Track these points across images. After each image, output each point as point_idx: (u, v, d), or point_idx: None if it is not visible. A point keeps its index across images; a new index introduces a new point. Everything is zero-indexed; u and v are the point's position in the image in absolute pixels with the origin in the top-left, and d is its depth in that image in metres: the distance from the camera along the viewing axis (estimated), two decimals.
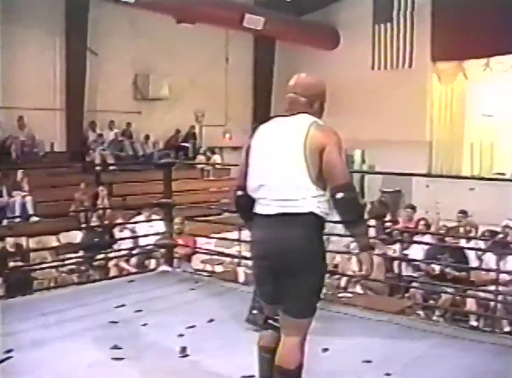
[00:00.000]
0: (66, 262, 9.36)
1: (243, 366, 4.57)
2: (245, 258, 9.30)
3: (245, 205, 3.69)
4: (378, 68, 19.95)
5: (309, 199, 3.43)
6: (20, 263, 9.65)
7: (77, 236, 11.02)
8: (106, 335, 5.23)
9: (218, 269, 11.00)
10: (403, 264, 9.58)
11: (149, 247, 9.01)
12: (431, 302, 9.29)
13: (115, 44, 16.97)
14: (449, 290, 8.77)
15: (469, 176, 18.48)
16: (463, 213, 11.47)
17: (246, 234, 9.61)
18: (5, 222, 12.77)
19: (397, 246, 9.98)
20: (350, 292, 7.97)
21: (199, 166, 19.01)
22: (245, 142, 3.85)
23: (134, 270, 9.64)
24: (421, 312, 9.17)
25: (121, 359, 4.71)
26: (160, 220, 8.35)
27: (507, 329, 8.56)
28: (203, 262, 11.01)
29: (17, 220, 13.30)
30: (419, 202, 15.28)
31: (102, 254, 10.26)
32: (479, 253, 9.60)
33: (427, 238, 10.31)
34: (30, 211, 13.17)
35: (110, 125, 17.49)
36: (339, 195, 3.40)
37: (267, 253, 3.55)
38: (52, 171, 14.80)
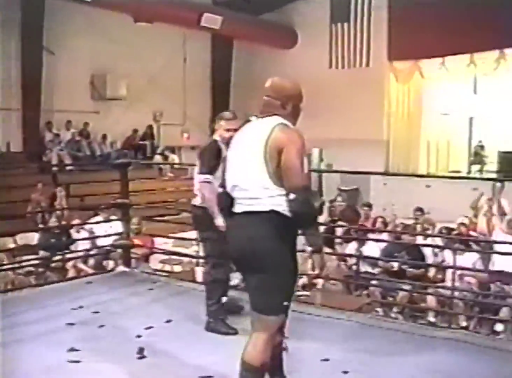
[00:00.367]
0: (23, 264, 9.23)
1: (201, 366, 4.56)
2: (203, 257, 9.28)
3: (224, 202, 3.79)
4: (336, 67, 20.08)
5: (269, 198, 3.52)
6: None
7: (34, 237, 10.88)
8: (63, 337, 5.17)
9: (177, 269, 10.94)
10: (360, 262, 9.66)
11: (107, 248, 8.94)
12: (390, 299, 9.38)
13: (72, 44, 16.80)
14: (406, 287, 8.85)
15: (426, 174, 18.70)
16: (420, 210, 11.60)
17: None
18: None
19: (353, 244, 10.06)
20: (307, 291, 7.97)
21: (157, 166, 18.93)
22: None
23: (91, 271, 9.55)
24: (379, 309, 9.26)
25: (78, 361, 4.66)
26: (118, 220, 8.27)
27: (463, 324, 8.69)
28: (161, 262, 10.95)
29: None
30: (377, 199, 15.45)
31: (59, 255, 10.15)
32: (436, 249, 9.72)
33: (385, 236, 10.42)
34: None
35: (67, 125, 17.34)
36: (291, 196, 3.46)
37: (232, 250, 3.74)
38: (8, 171, 14.59)
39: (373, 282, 9.60)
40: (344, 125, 18.39)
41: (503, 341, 6.88)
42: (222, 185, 3.83)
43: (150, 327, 5.43)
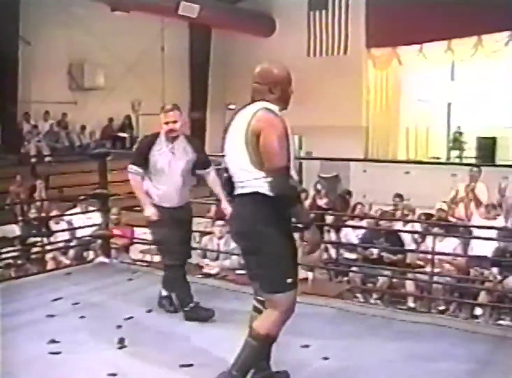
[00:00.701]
0: (3, 256, 9.18)
1: (182, 355, 4.58)
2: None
3: (228, 185, 3.93)
4: (314, 55, 20.08)
5: (254, 181, 3.63)
6: None
7: (11, 230, 10.81)
8: (43, 329, 5.16)
9: (157, 259, 10.91)
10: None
11: (86, 239, 8.91)
12: (369, 285, 9.44)
13: (48, 33, 16.64)
14: (386, 273, 8.91)
15: (405, 160, 18.82)
16: (399, 196, 11.63)
17: None
18: None
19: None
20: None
21: None
22: None
23: (71, 262, 9.52)
24: (359, 295, 9.32)
25: (58, 353, 4.65)
26: (96, 210, 8.24)
27: (442, 308, 8.77)
28: (142, 252, 10.91)
29: None
30: (357, 186, 15.49)
31: (38, 247, 10.10)
32: (415, 235, 9.78)
33: (364, 223, 10.46)
34: None
35: (45, 116, 17.22)
36: (269, 179, 3.55)
37: (231, 231, 4.08)
38: None
39: (353, 268, 9.64)
40: (323, 113, 18.42)
41: (482, 324, 6.94)
42: (226, 170, 3.93)
43: (131, 317, 5.44)
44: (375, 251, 9.64)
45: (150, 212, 5.45)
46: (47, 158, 16.41)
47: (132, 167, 5.53)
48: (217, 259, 9.30)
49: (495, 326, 6.89)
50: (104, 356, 4.62)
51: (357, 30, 19.23)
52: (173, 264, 5.53)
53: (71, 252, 10.34)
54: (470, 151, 18.91)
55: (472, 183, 10.79)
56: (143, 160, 5.50)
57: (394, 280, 9.25)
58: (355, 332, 5.16)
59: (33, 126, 16.73)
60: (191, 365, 4.40)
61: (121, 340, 4.87)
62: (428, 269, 8.67)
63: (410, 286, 9.03)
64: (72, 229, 10.12)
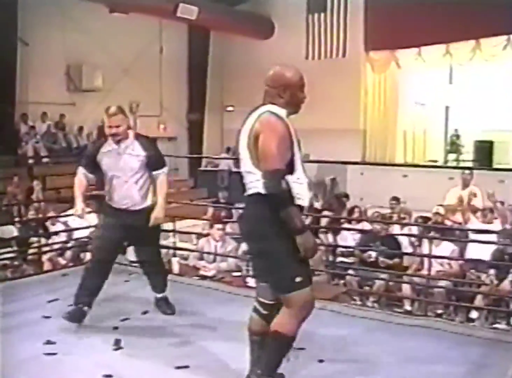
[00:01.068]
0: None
1: (178, 356, 4.60)
2: (180, 249, 9.30)
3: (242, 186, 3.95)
4: (312, 57, 20.05)
5: (255, 182, 3.68)
6: None
7: (10, 231, 10.80)
8: (39, 330, 5.17)
9: None
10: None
11: (83, 240, 8.90)
12: (366, 288, 9.43)
13: (46, 34, 16.61)
14: (383, 276, 8.91)
15: (402, 164, 18.82)
16: (396, 199, 11.64)
17: (180, 225, 9.64)
18: None
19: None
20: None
21: None
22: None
23: (68, 264, 9.51)
24: (357, 298, 9.32)
25: (54, 354, 4.66)
26: (93, 212, 8.23)
27: (439, 312, 8.76)
28: None
29: None
30: (354, 189, 15.51)
31: (35, 248, 10.10)
32: (412, 239, 9.78)
33: (361, 226, 10.46)
34: None
35: (42, 117, 17.17)
36: (263, 181, 3.59)
37: (240, 231, 4.09)
38: None
39: (350, 271, 9.64)
40: (321, 115, 18.39)
41: (477, 328, 6.94)
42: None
43: (127, 319, 5.45)
44: (372, 254, 9.63)
45: (76, 209, 5.41)
46: (44, 160, 16.40)
47: (78, 168, 5.61)
48: (214, 261, 9.30)
49: (491, 329, 6.88)
50: (100, 357, 4.63)
51: (356, 33, 19.23)
52: (92, 265, 5.51)
53: (68, 253, 10.32)
54: (468, 155, 18.92)
55: (467, 187, 10.78)
56: (90, 163, 5.53)
57: (391, 283, 9.25)
58: (351, 335, 5.17)
59: (31, 127, 16.69)
60: (187, 366, 4.42)
61: (117, 342, 4.89)
62: (424, 272, 8.68)
63: (406, 289, 9.02)
64: (69, 230, 10.11)
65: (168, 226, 9.83)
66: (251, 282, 7.71)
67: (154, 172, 5.47)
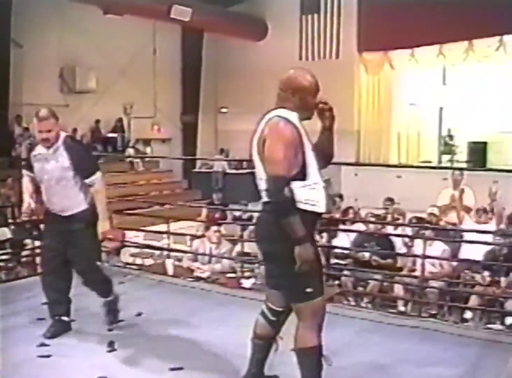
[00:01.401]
0: None
1: (172, 358, 4.59)
2: (174, 250, 9.29)
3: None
4: (306, 59, 20.06)
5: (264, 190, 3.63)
6: None
7: (4, 233, 10.78)
8: (34, 332, 5.15)
9: (148, 262, 10.93)
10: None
11: None
12: (360, 289, 9.42)
13: (40, 36, 16.60)
14: (376, 276, 8.90)
15: (396, 165, 18.85)
16: (390, 200, 11.63)
17: (174, 227, 9.64)
18: None
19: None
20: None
21: (129, 159, 18.86)
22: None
23: None
24: (351, 299, 9.31)
25: (48, 356, 4.66)
26: None
27: (433, 312, 8.76)
28: (132, 255, 10.92)
29: None
30: (348, 190, 15.49)
31: (29, 250, 10.07)
32: (406, 239, 9.77)
33: (355, 227, 10.44)
34: None
35: None
36: (266, 186, 3.57)
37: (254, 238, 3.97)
38: None
39: (344, 272, 9.63)
40: (315, 117, 18.39)
41: (472, 328, 6.94)
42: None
43: (121, 321, 5.43)
44: (366, 255, 9.63)
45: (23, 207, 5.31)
46: None
47: (22, 171, 5.42)
48: (209, 262, 9.28)
49: (485, 330, 6.89)
50: (94, 359, 4.63)
51: (349, 35, 19.27)
52: (43, 277, 5.38)
53: None
54: (462, 155, 18.95)
55: (459, 188, 10.80)
56: (28, 165, 5.29)
57: (385, 283, 9.24)
58: (345, 336, 5.16)
59: (25, 129, 16.65)
60: (181, 368, 4.41)
61: (111, 343, 4.89)
62: (418, 272, 8.67)
63: (399, 289, 9.01)
64: None
65: (162, 227, 9.87)
66: (246, 283, 7.73)
67: (85, 181, 5.12)
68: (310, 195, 3.59)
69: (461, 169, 13.26)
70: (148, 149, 19.69)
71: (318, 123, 3.91)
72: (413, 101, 19.87)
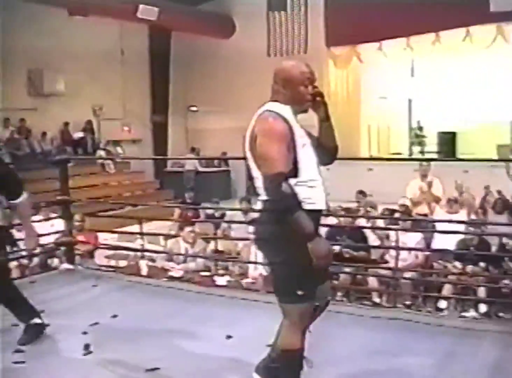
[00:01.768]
0: None
1: (148, 359, 4.56)
2: (148, 251, 9.27)
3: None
4: (274, 55, 20.08)
5: (261, 188, 3.50)
6: None
7: None
8: (8, 339, 5.09)
9: (123, 263, 10.89)
10: None
11: (50, 246, 8.82)
12: (335, 282, 9.47)
13: (6, 39, 16.37)
14: (347, 269, 8.94)
15: (367, 158, 18.95)
16: (362, 193, 11.70)
17: (147, 227, 9.63)
18: None
19: None
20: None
21: (100, 161, 18.76)
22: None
23: (36, 270, 9.42)
24: None
25: (23, 362, 4.61)
26: (59, 217, 8.17)
27: (408, 302, 8.84)
28: (107, 257, 10.86)
29: None
30: None
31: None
32: (380, 232, 9.84)
33: (328, 220, 10.48)
34: None
35: (5, 123, 17.01)
36: (265, 184, 3.43)
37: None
38: None
39: None
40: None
41: (446, 317, 7.01)
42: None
43: (96, 323, 5.40)
44: (337, 248, 9.67)
45: None
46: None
47: None
48: (185, 261, 9.28)
49: (459, 318, 6.96)
50: (69, 363, 4.59)
51: (317, 30, 19.31)
52: None
53: (35, 260, 10.23)
54: (432, 146, 19.10)
55: (426, 179, 10.89)
56: None
57: (358, 276, 9.30)
58: (320, 328, 5.17)
59: None
60: (157, 369, 4.39)
61: (87, 347, 4.85)
62: (391, 263, 8.75)
63: (373, 281, 9.07)
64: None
65: (135, 228, 9.85)
66: (220, 281, 7.74)
67: (11, 202, 4.90)
68: (305, 192, 3.43)
69: (431, 160, 13.40)
70: (119, 151, 19.62)
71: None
72: (382, 94, 19.97)
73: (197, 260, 8.92)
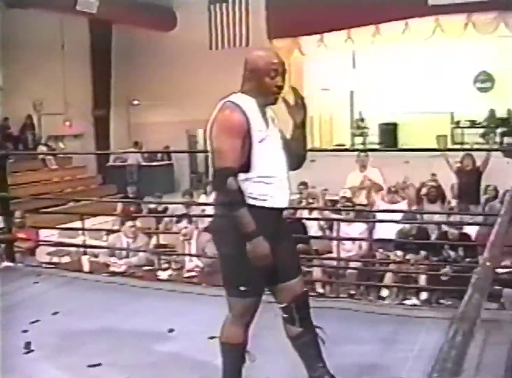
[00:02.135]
0: None
1: (90, 355, 4.54)
2: (89, 246, 9.19)
3: None
4: (216, 48, 20.00)
5: None
6: None
7: None
8: None
9: (65, 260, 10.78)
10: None
11: None
12: None
13: None
14: None
15: (310, 149, 19.00)
16: (304, 184, 11.77)
17: (90, 223, 9.54)
18: None
19: None
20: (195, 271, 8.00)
21: (40, 156, 18.49)
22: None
23: None
24: None
25: None
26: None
27: (352, 292, 8.96)
28: (48, 254, 10.73)
29: None
30: None
31: None
32: (322, 223, 9.93)
33: None
34: None
35: None
36: (212, 178, 3.40)
37: None
38: None
39: None
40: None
41: (387, 305, 7.12)
42: None
43: (37, 321, 5.34)
44: None
45: None
46: None
47: None
48: (127, 256, 9.22)
49: (400, 306, 7.08)
50: (9, 362, 4.51)
51: (258, 22, 19.26)
52: None
53: None
54: (374, 137, 19.32)
55: (365, 169, 11.05)
56: None
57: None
58: (262, 319, 5.20)
59: None
60: (99, 364, 4.37)
61: (27, 345, 4.79)
62: (334, 254, 8.84)
63: (317, 272, 9.16)
64: None
65: (77, 224, 9.74)
66: (163, 275, 7.72)
67: None
68: (260, 189, 3.35)
69: (373, 150, 13.56)
70: (60, 146, 19.36)
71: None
72: (324, 86, 20.07)
73: (139, 254, 8.86)
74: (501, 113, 18.04)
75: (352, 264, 8.95)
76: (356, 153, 13.43)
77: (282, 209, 3.54)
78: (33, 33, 17.91)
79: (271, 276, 3.54)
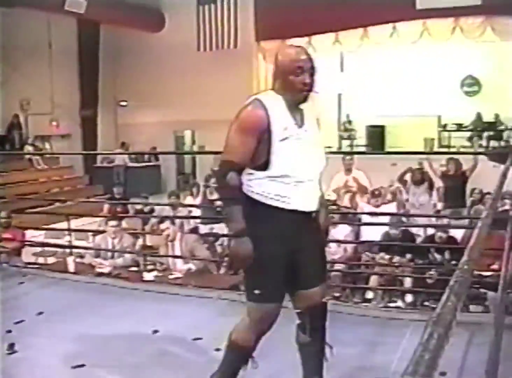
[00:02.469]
0: None
1: (74, 356, 4.53)
2: (75, 247, 9.15)
3: None
4: (204, 49, 20.02)
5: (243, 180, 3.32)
6: None
7: None
8: None
9: (51, 260, 10.74)
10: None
11: None
12: None
13: None
14: None
15: None
16: None
17: (76, 223, 9.50)
18: None
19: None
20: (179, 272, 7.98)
21: (27, 156, 18.43)
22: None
23: None
24: None
25: None
26: None
27: (337, 294, 8.97)
28: (34, 254, 10.70)
29: None
30: None
31: None
32: None
33: None
34: None
35: None
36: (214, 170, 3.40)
37: None
38: None
39: None
40: (215, 107, 18.35)
41: (372, 308, 7.15)
42: None
43: (21, 321, 5.33)
44: None
45: None
46: None
47: None
48: (112, 257, 9.18)
49: (384, 308, 7.10)
50: None
51: (247, 24, 19.30)
52: None
53: None
54: (361, 140, 19.39)
55: (350, 172, 11.08)
56: None
57: None
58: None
59: None
60: (83, 365, 4.36)
61: (11, 346, 4.77)
62: None
63: None
64: None
65: (63, 224, 9.71)
66: (148, 276, 7.70)
67: None
68: (276, 189, 3.26)
69: (360, 153, 13.58)
70: (47, 146, 19.31)
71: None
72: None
73: (125, 255, 8.83)
74: (487, 117, 18.16)
75: (337, 266, 8.96)
76: (342, 155, 13.52)
77: (308, 213, 3.39)
78: (20, 33, 17.85)
79: (291, 281, 3.46)
